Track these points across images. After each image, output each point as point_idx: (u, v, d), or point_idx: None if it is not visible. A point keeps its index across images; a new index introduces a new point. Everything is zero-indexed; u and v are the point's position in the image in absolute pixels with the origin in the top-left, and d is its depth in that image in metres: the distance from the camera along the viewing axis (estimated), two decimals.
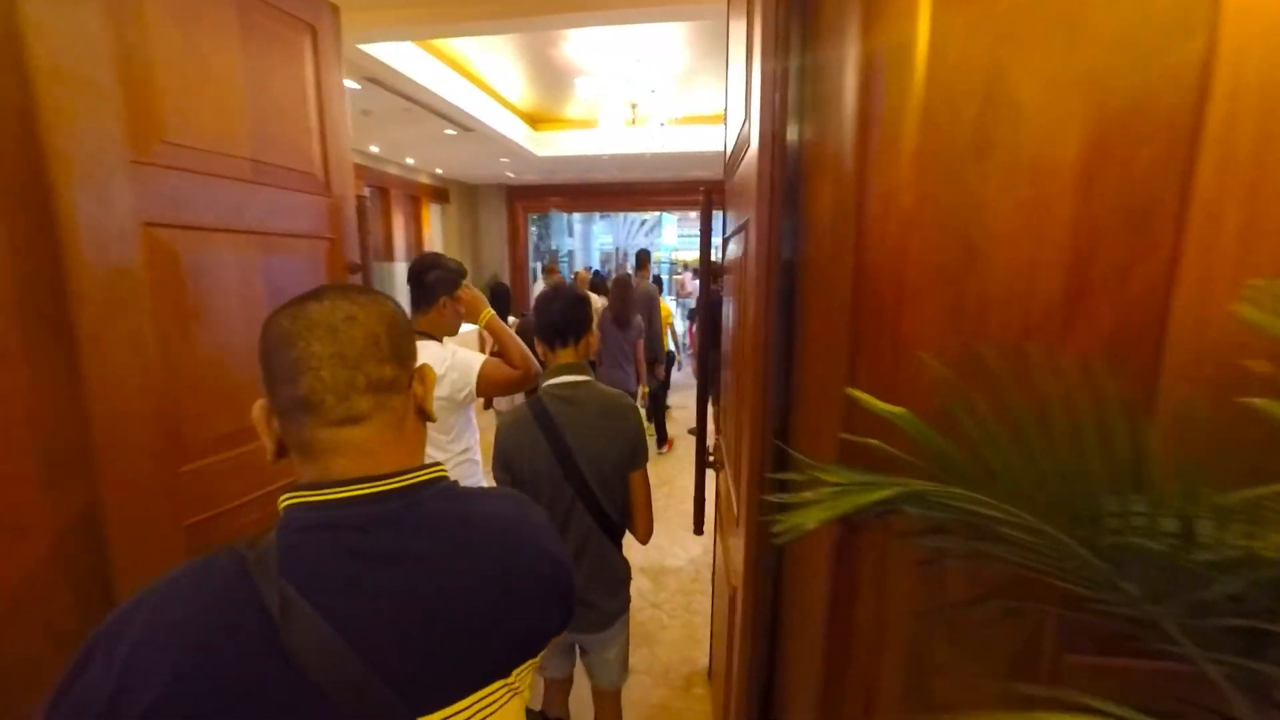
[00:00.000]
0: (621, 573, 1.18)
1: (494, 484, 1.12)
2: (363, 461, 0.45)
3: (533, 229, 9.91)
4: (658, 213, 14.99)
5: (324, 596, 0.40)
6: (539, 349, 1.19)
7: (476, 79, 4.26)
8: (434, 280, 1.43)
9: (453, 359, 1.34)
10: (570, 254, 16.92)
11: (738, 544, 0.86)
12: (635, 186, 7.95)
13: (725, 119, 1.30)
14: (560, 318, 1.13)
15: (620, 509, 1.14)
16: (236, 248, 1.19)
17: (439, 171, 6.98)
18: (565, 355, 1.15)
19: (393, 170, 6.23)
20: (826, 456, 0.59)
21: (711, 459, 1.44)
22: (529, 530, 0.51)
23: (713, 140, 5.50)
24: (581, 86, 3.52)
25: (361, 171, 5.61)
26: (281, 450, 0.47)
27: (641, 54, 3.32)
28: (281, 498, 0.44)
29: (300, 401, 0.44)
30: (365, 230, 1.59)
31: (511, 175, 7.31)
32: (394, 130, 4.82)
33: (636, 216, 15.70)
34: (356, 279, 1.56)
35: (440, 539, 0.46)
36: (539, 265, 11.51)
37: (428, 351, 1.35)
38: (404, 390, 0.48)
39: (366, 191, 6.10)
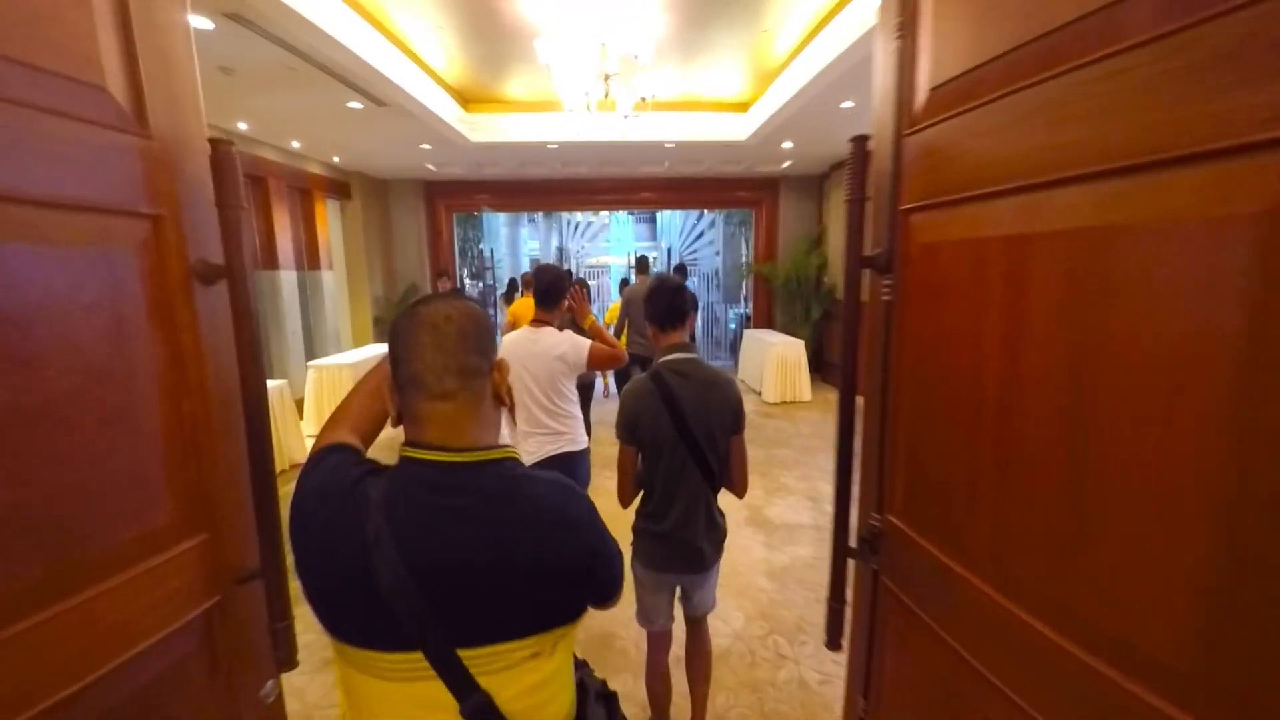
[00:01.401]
0: (721, 522, 1.43)
1: (618, 439, 1.36)
2: (448, 430, 0.60)
3: (454, 231, 8.92)
4: (602, 215, 14.43)
5: (404, 535, 0.56)
6: (649, 330, 1.43)
7: (393, 34, 3.45)
8: (559, 288, 1.92)
9: (569, 342, 1.85)
10: (500, 260, 15.81)
11: None
12: (578, 184, 7.34)
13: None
14: (668, 304, 1.37)
15: (722, 468, 1.36)
16: None
17: (336, 160, 5.86)
18: (675, 336, 1.38)
19: (271, 155, 5.06)
20: None
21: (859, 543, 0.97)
22: (568, 519, 0.62)
23: (680, 130, 5.09)
24: (541, 50, 2.90)
25: None
26: (398, 419, 0.63)
27: (619, 10, 2.78)
28: (399, 448, 0.61)
29: (410, 378, 0.60)
30: (235, 204, 0.87)
31: (432, 168, 6.36)
32: (272, 100, 3.80)
33: (571, 219, 15.03)
34: (219, 290, 0.86)
35: (492, 509, 0.59)
36: (466, 272, 10.46)
37: (549, 335, 1.86)
38: (485, 376, 0.63)
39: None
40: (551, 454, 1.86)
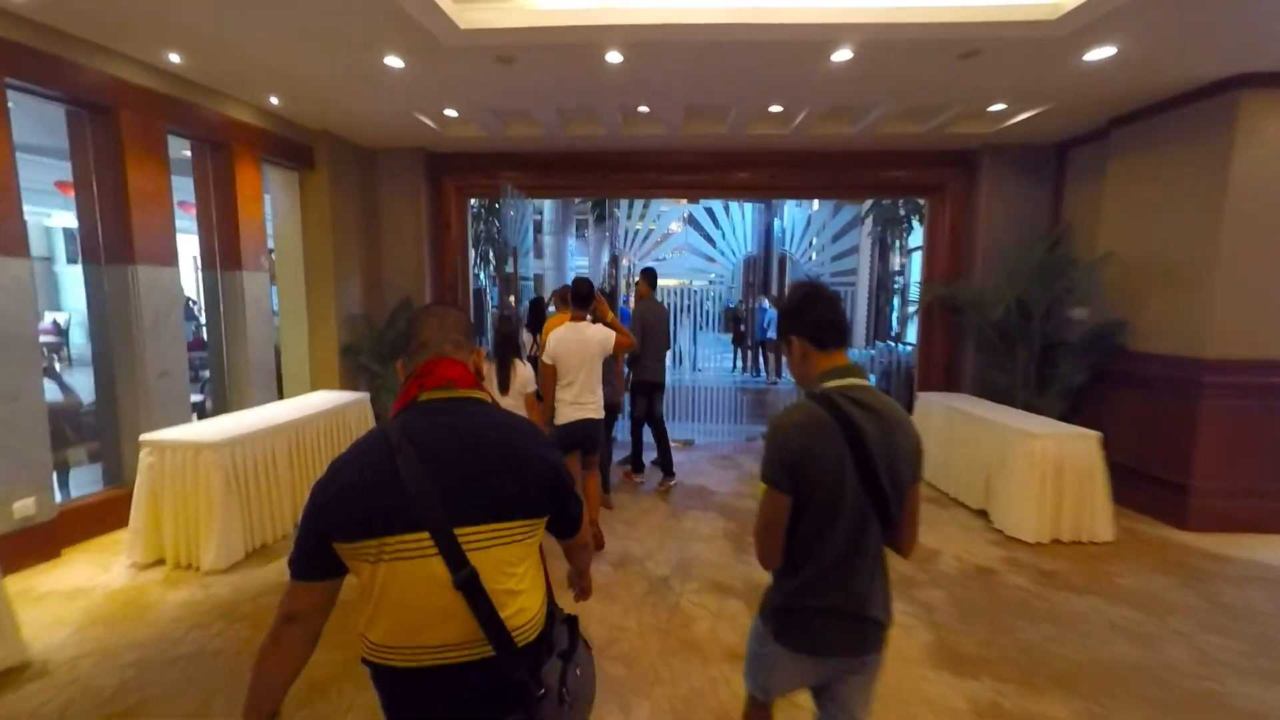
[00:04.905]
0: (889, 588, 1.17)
1: (765, 483, 1.09)
2: (448, 374, 0.89)
3: (478, 229, 6.85)
4: (667, 215, 11.82)
5: (419, 443, 0.81)
6: (798, 347, 1.14)
7: None
8: (591, 293, 2.97)
9: (603, 331, 2.92)
10: (538, 279, 13.80)
11: None
12: (648, 156, 4.96)
13: None
14: (831, 317, 1.12)
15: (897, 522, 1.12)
16: None
17: (274, 103, 3.82)
18: (839, 357, 1.12)
19: (133, 76, 3.03)
20: None
21: None
22: (533, 434, 0.91)
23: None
24: None
25: (20, 57, 2.39)
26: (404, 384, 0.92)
27: None
28: (407, 401, 0.88)
29: (421, 344, 0.92)
30: None
31: (429, 123, 4.20)
32: None
33: (629, 224, 12.62)
34: None
35: (477, 421, 0.87)
36: (489, 281, 8.42)
37: (588, 327, 2.91)
38: (469, 351, 0.95)
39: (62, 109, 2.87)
40: (585, 418, 2.87)
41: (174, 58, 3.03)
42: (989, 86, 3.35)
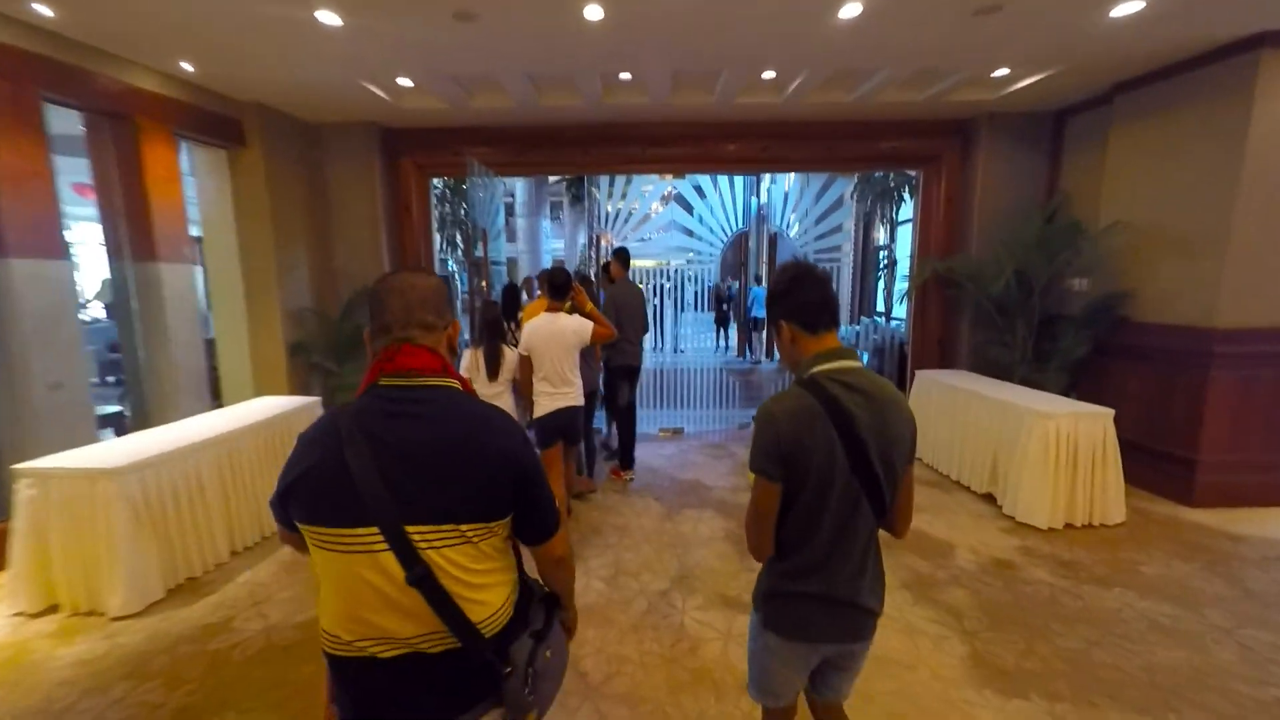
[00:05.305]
0: (883, 570, 1.15)
1: (755, 473, 1.05)
2: (409, 364, 0.83)
3: (444, 211, 6.33)
4: (650, 193, 11.29)
5: (373, 434, 0.77)
6: (787, 331, 1.10)
7: None
8: (568, 283, 2.79)
9: (579, 322, 2.77)
10: (511, 262, 13.22)
11: None
12: (632, 129, 4.56)
13: None
14: (822, 299, 1.09)
15: (891, 504, 1.11)
16: None
17: (188, 69, 3.26)
18: (830, 339, 1.08)
19: None
20: None
21: None
22: (497, 426, 0.83)
23: None
24: None
25: None
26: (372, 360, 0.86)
27: None
28: (367, 382, 0.83)
29: (383, 327, 0.85)
30: None
31: (381, 94, 3.70)
32: None
33: (611, 201, 12.02)
34: None
35: (437, 411, 0.81)
36: (458, 267, 7.88)
37: (563, 318, 2.77)
38: (440, 330, 0.89)
39: None
40: (565, 406, 2.76)
41: (43, 10, 2.48)
42: (999, 47, 3.09)
